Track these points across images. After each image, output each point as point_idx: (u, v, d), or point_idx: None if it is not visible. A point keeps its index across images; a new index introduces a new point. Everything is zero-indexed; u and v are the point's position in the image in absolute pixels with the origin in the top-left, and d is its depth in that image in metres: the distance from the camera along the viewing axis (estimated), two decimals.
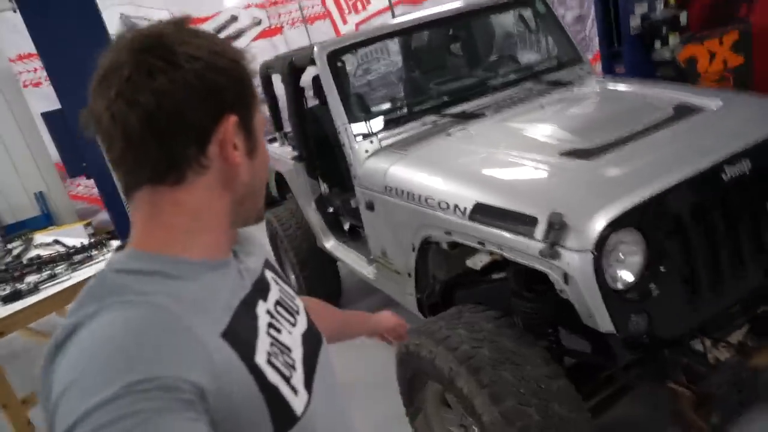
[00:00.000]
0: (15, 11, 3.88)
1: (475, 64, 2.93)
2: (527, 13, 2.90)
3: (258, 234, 0.96)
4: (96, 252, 3.29)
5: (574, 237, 1.47)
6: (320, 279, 3.52)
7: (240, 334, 0.66)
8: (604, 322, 1.48)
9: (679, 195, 1.54)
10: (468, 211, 1.78)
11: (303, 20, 5.77)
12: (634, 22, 3.26)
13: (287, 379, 0.70)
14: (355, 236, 3.30)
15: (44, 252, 3.25)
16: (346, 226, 3.36)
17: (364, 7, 6.06)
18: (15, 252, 3.36)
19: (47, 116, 3.37)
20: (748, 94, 2.16)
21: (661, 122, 1.89)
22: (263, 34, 5.65)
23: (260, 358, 0.67)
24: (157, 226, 0.67)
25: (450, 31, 2.87)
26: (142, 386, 0.51)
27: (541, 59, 2.85)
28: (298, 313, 0.85)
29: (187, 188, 0.67)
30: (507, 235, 1.65)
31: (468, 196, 1.80)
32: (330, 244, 3.20)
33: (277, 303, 0.80)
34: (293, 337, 0.78)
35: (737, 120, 1.85)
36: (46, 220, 5.66)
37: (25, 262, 3.05)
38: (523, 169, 1.84)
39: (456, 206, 1.82)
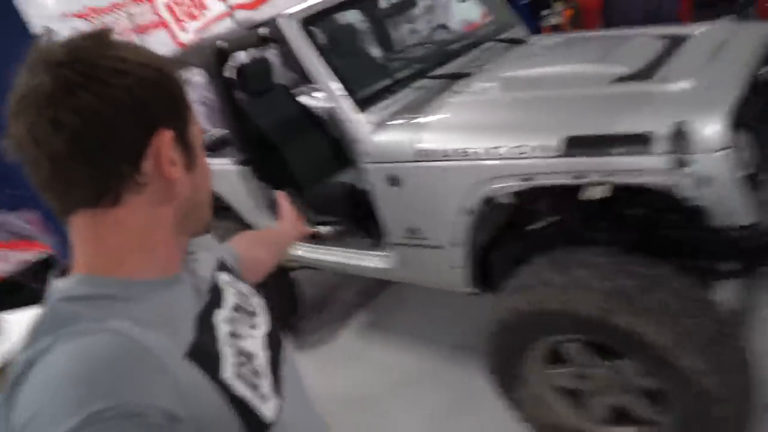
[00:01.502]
0: None
1: (421, 33, 2.86)
2: None
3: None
4: None
5: (706, 140, 1.50)
6: (278, 299, 3.09)
7: (202, 350, 0.66)
8: (747, 214, 1.54)
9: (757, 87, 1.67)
10: (560, 148, 1.70)
11: (135, 29, 5.03)
12: None
13: (255, 387, 0.70)
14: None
15: None
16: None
17: (200, 14, 5.53)
18: None
19: None
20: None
21: (669, 47, 2.05)
22: None
23: (226, 372, 0.67)
24: (101, 249, 0.65)
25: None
26: (106, 414, 0.50)
27: (483, 24, 2.90)
28: (256, 314, 0.84)
29: (126, 207, 0.64)
30: (618, 159, 1.61)
31: (552, 133, 1.73)
32: (301, 251, 2.82)
33: (235, 309, 0.79)
34: (255, 341, 0.78)
35: (733, 32, 2.07)
36: None
37: None
38: (588, 99, 1.83)
39: (540, 146, 1.73)
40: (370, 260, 2.51)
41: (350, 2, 2.40)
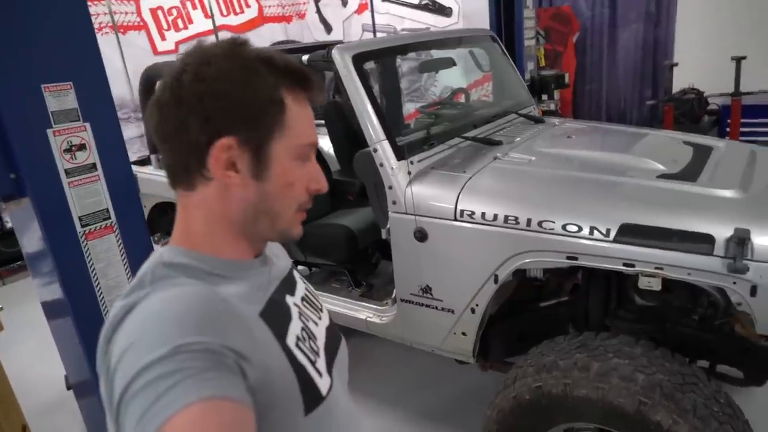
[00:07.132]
0: None
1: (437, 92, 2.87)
2: (481, 52, 3.00)
3: None
4: None
5: (763, 250, 1.55)
6: None
7: (275, 317, 0.74)
8: None
9: None
10: (612, 233, 1.70)
11: (113, 27, 4.72)
12: (527, 76, 3.69)
13: (312, 363, 0.77)
14: None
15: None
16: None
17: (185, 26, 5.30)
18: None
19: None
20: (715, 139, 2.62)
21: (700, 154, 2.16)
22: None
23: (290, 341, 0.74)
24: (185, 227, 0.76)
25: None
26: (191, 348, 0.57)
27: (503, 98, 2.96)
28: (321, 310, 0.94)
29: (198, 195, 0.73)
30: (673, 254, 1.63)
31: (606, 217, 1.73)
32: None
33: (303, 299, 0.88)
34: (318, 329, 0.87)
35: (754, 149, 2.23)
36: None
37: None
38: (640, 189, 1.86)
39: (594, 228, 1.72)
40: (364, 313, 2.36)
41: (401, 48, 2.36)
